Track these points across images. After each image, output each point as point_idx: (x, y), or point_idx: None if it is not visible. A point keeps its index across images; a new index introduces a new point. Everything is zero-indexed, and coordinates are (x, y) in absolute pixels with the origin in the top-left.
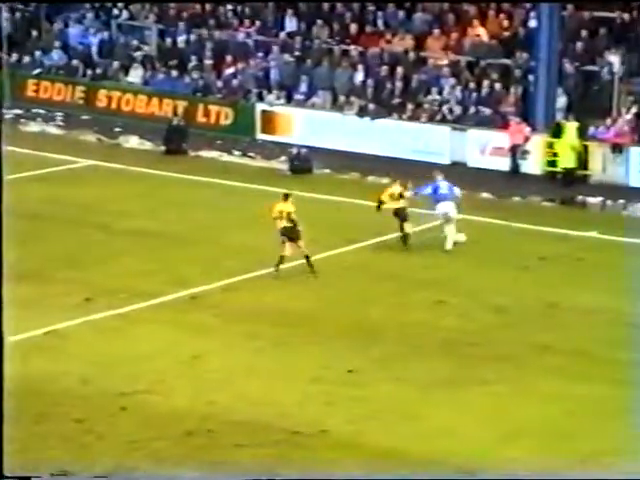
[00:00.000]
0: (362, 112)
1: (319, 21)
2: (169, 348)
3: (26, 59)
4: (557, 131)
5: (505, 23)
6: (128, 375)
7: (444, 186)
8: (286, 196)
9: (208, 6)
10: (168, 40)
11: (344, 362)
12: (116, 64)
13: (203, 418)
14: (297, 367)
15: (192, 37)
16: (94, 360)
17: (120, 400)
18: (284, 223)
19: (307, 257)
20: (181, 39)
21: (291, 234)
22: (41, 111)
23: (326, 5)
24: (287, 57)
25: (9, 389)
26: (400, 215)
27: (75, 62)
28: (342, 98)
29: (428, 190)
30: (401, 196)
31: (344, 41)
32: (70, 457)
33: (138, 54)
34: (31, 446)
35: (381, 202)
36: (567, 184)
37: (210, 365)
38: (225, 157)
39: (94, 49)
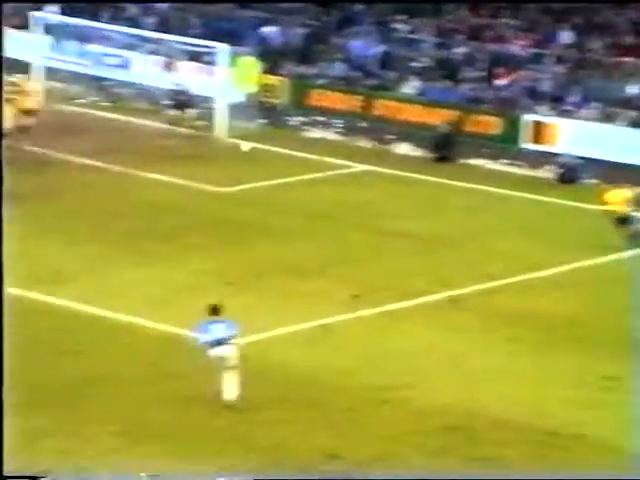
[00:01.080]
0: (635, 124)
1: (593, 33)
2: (431, 346)
3: (312, 70)
4: None
5: None
6: (391, 370)
7: None
8: None
9: (485, 19)
10: (444, 52)
11: (604, 368)
12: (393, 75)
13: (463, 414)
14: (557, 371)
15: (467, 49)
16: (359, 354)
17: (383, 393)
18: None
19: None
20: (457, 51)
21: None
22: (322, 119)
23: (600, 17)
24: (560, 69)
25: (281, 377)
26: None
27: (355, 73)
28: (614, 109)
29: None
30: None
31: (619, 52)
32: (337, 443)
33: (415, 65)
34: (301, 429)
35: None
36: None
37: (470, 365)
38: (492, 165)
39: (374, 61)
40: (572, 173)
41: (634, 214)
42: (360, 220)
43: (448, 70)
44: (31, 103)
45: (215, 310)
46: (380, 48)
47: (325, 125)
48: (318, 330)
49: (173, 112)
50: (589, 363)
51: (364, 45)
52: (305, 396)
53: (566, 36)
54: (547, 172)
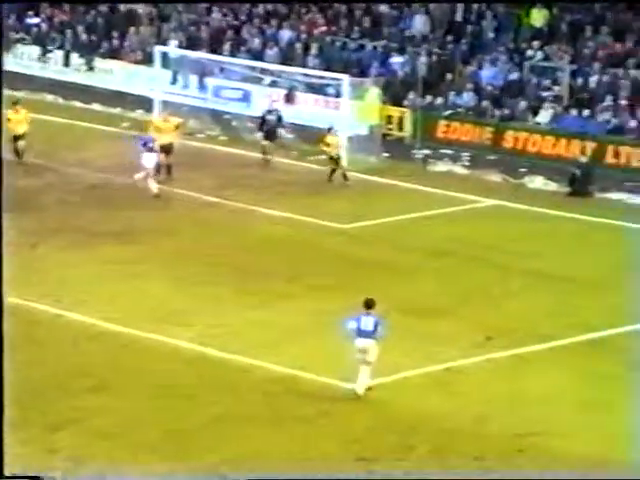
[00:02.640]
0: None
1: None
2: (565, 392)
3: (438, 101)
4: None
5: None
6: (525, 416)
7: None
8: None
9: (627, 45)
10: (580, 80)
11: None
12: (524, 104)
13: (601, 463)
14: None
15: (606, 77)
16: (490, 399)
17: (516, 441)
18: None
19: None
20: (594, 79)
21: None
22: (449, 151)
23: None
24: None
25: (408, 421)
26: None
27: (485, 103)
28: None
29: None
30: None
31: None
32: None
33: (548, 94)
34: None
35: None
36: None
37: (607, 412)
38: (635, 199)
39: (504, 90)
40: None
41: None
42: (490, 258)
43: (584, 99)
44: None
45: (368, 304)
46: (511, 76)
47: (452, 158)
48: (446, 373)
49: (262, 140)
50: None
51: (494, 73)
52: (432, 444)
53: None
54: None
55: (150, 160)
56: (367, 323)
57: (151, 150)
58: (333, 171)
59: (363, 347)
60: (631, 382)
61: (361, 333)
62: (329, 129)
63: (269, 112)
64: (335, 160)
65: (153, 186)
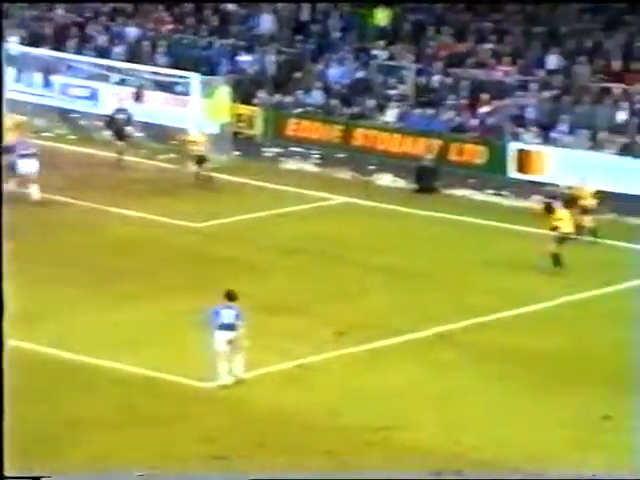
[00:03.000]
0: (624, 151)
1: (581, 58)
2: (417, 385)
3: (288, 99)
4: None
5: None
6: (376, 410)
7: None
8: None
9: (467, 45)
10: (424, 79)
11: (598, 407)
12: (372, 103)
13: (450, 457)
14: (548, 410)
15: (448, 76)
16: (343, 394)
17: (367, 435)
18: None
19: None
20: (437, 78)
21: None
22: (299, 149)
23: (590, 42)
24: (546, 95)
25: (264, 418)
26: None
27: (333, 101)
28: (602, 136)
29: None
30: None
31: (607, 78)
32: None
33: (394, 93)
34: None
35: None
36: None
37: (457, 404)
38: (477, 196)
39: (352, 89)
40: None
41: None
42: (341, 255)
43: (428, 98)
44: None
45: (229, 296)
46: (358, 75)
47: (303, 156)
48: (300, 369)
49: (111, 139)
50: (581, 402)
51: (342, 72)
52: (286, 440)
53: (552, 62)
54: (535, 202)
55: (27, 166)
56: (228, 315)
57: (25, 156)
58: (198, 169)
59: (226, 339)
60: (478, 374)
61: (223, 326)
62: (191, 128)
63: (118, 111)
64: (200, 159)
65: (35, 192)
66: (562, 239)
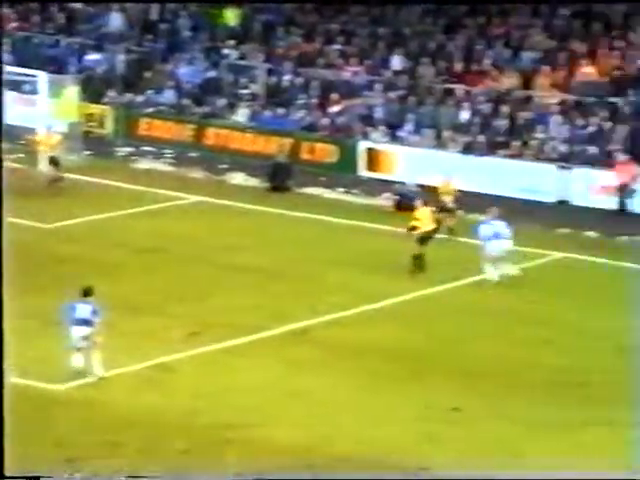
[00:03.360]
0: (467, 150)
1: (425, 59)
2: (272, 382)
3: (139, 98)
4: None
5: (616, 62)
6: (233, 408)
7: (499, 225)
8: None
9: (316, 46)
10: (275, 79)
11: (449, 400)
12: (223, 102)
13: (305, 452)
14: (401, 404)
15: (299, 76)
16: (199, 393)
17: (225, 433)
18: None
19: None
20: (288, 78)
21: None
22: (152, 149)
23: (433, 44)
24: (392, 95)
25: (119, 419)
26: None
27: (185, 101)
28: (446, 135)
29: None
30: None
31: (450, 79)
32: None
33: (245, 92)
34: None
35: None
36: None
37: (313, 400)
38: (329, 194)
39: (203, 88)
40: (409, 200)
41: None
42: (194, 254)
43: (279, 97)
44: None
45: (86, 292)
46: (209, 74)
47: (155, 155)
48: (155, 370)
49: None
50: (434, 395)
51: (192, 71)
52: (141, 440)
53: (397, 62)
54: (385, 200)
55: None
56: (84, 311)
57: None
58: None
59: (82, 335)
60: (332, 370)
61: (78, 321)
62: (40, 128)
63: None
64: (52, 160)
65: None
66: (422, 239)
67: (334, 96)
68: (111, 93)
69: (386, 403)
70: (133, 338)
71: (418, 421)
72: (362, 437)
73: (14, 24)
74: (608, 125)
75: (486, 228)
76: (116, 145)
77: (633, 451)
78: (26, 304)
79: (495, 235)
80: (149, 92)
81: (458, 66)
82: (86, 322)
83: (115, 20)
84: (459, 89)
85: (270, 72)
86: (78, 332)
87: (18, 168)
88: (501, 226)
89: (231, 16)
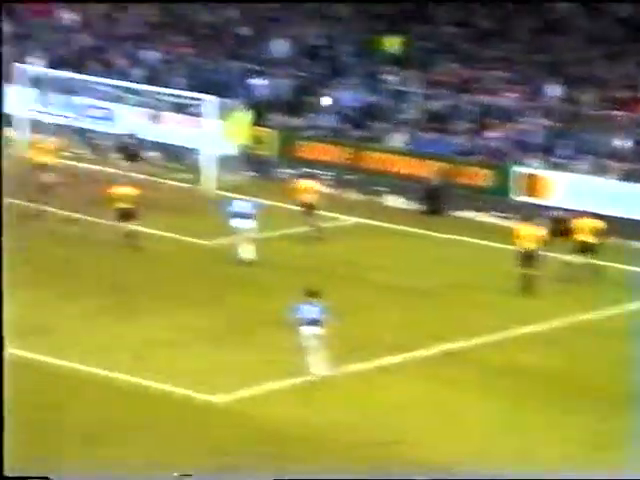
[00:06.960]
0: (626, 176)
1: (584, 86)
2: (424, 401)
3: (300, 122)
4: None
5: None
6: (384, 426)
7: None
8: None
9: (473, 72)
10: (433, 104)
11: (602, 424)
12: (382, 127)
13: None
14: (555, 426)
15: (457, 101)
16: (351, 410)
17: (375, 450)
18: None
19: None
20: (446, 103)
21: None
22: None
23: (592, 70)
24: (549, 121)
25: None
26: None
27: (344, 125)
28: (605, 162)
29: None
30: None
31: (610, 106)
32: None
33: (403, 117)
34: None
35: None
36: None
37: (465, 420)
38: (482, 217)
39: (362, 112)
40: (563, 225)
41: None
42: (350, 274)
43: (437, 122)
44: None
45: (310, 294)
46: (368, 99)
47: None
48: (309, 385)
49: (123, 162)
50: (586, 419)
51: (352, 97)
52: (296, 453)
53: (555, 89)
54: (539, 225)
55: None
56: (311, 311)
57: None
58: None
59: (310, 334)
60: (484, 390)
61: (306, 321)
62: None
63: (129, 136)
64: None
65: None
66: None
67: (491, 121)
68: (275, 116)
69: (539, 424)
70: (287, 354)
71: (568, 442)
72: (514, 457)
73: (187, 49)
74: None
75: None
76: (278, 167)
77: None
78: (182, 317)
79: None
80: (310, 116)
81: (618, 93)
82: (314, 322)
83: (280, 46)
84: (619, 116)
85: (428, 97)
86: (306, 331)
87: (183, 187)
88: None
89: (392, 43)
